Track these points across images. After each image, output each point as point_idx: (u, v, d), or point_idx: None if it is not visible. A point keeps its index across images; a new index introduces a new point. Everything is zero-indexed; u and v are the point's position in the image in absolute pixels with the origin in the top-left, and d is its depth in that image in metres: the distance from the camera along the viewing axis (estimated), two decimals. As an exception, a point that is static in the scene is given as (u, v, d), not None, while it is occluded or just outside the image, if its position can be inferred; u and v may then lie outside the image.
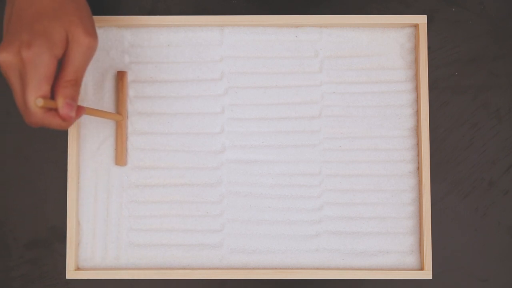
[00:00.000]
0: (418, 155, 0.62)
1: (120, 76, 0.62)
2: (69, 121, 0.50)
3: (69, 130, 0.62)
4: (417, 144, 0.62)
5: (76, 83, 0.50)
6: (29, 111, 0.48)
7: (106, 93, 0.63)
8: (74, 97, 0.50)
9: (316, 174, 0.62)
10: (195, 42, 0.63)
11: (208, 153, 0.63)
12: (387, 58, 0.63)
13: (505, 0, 0.64)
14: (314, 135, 0.63)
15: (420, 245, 0.62)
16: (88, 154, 0.63)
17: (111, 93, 0.63)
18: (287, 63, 0.63)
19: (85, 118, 0.62)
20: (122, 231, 0.62)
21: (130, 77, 0.63)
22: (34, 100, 0.48)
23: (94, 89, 0.63)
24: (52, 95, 0.49)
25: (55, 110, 0.49)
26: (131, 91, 0.63)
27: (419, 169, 0.62)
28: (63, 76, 0.49)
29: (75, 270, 0.61)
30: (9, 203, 0.63)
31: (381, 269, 0.61)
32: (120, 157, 0.62)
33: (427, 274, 0.60)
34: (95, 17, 0.62)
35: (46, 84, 0.48)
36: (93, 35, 0.51)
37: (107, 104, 0.63)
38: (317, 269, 0.61)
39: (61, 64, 0.50)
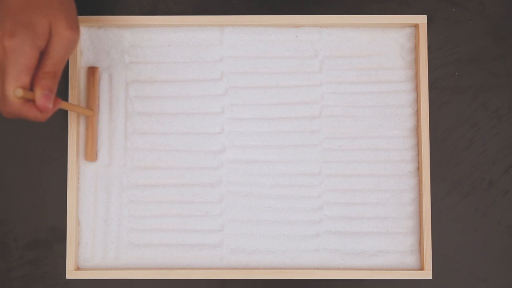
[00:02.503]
0: (418, 155, 0.62)
1: (91, 72, 0.62)
2: (46, 112, 0.50)
3: (69, 130, 0.62)
4: (417, 144, 0.62)
5: (55, 75, 0.50)
6: (7, 101, 0.48)
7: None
8: (52, 88, 0.50)
9: (316, 174, 0.62)
10: (195, 42, 0.63)
11: (208, 153, 0.63)
12: (387, 58, 0.63)
13: (505, 0, 0.64)
14: (314, 135, 0.63)
15: (420, 245, 0.62)
16: (88, 154, 0.63)
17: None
18: (287, 63, 0.63)
19: (84, 118, 0.62)
20: (122, 231, 0.62)
21: (130, 77, 0.63)
22: (13, 90, 0.47)
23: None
24: (31, 88, 0.49)
25: (32, 101, 0.49)
26: (131, 91, 0.63)
27: (419, 169, 0.62)
28: (42, 67, 0.49)
29: (75, 270, 0.61)
30: (9, 203, 0.63)
31: (381, 269, 0.61)
32: (90, 153, 0.62)
33: (427, 274, 0.60)
34: (95, 17, 0.62)
35: (26, 75, 0.48)
36: (75, 29, 0.51)
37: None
38: (317, 269, 0.61)
39: (41, 56, 0.50)
